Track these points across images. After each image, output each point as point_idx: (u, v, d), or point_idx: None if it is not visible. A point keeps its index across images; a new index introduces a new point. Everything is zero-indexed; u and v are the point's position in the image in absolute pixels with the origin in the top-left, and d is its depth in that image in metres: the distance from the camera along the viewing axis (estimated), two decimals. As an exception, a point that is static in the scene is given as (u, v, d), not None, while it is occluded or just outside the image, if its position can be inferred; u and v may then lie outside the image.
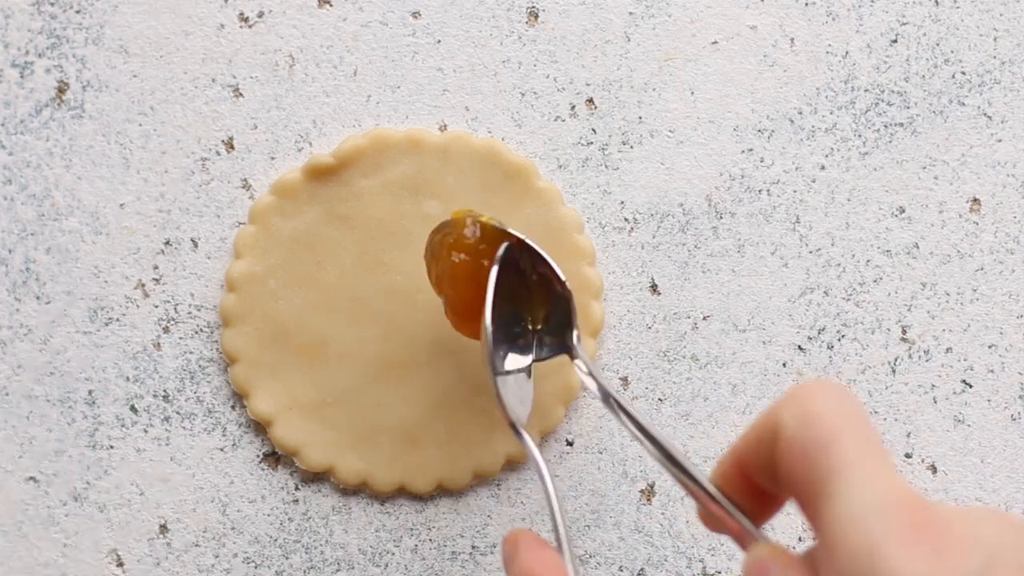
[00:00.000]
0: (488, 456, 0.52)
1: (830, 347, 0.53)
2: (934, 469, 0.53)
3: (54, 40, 0.52)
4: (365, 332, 0.51)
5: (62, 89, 0.52)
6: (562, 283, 0.46)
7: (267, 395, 0.51)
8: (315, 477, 0.52)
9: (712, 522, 0.38)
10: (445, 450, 0.51)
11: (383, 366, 0.51)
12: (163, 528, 0.52)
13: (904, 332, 0.53)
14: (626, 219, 0.53)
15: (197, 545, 0.52)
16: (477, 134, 0.53)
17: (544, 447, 0.53)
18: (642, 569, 0.53)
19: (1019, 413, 0.53)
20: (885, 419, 0.53)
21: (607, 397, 0.43)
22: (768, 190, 0.53)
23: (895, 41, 0.53)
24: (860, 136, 0.53)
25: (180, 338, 0.52)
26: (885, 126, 0.53)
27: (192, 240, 0.52)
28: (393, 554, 0.52)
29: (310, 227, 0.51)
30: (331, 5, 0.52)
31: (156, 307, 0.52)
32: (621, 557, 0.53)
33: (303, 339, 0.51)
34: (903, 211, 0.53)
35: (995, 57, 0.53)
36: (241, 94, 0.52)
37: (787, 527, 0.53)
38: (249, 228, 0.52)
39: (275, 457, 0.52)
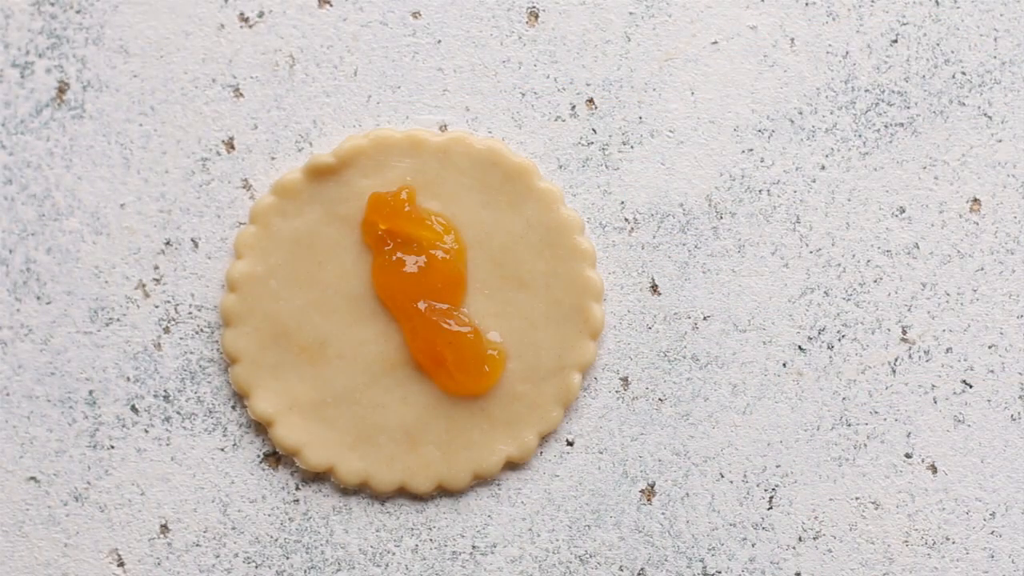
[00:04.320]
0: (488, 456, 0.52)
1: (830, 347, 0.53)
2: (934, 469, 0.53)
3: (54, 40, 0.52)
4: (365, 332, 0.51)
5: (62, 89, 0.52)
6: None
7: (268, 395, 0.51)
8: (315, 477, 0.52)
9: None
10: (445, 450, 0.52)
11: (383, 366, 0.51)
12: (164, 528, 0.52)
13: (904, 332, 0.53)
14: (626, 219, 0.53)
15: (198, 545, 0.52)
16: (477, 134, 0.53)
17: (544, 447, 0.53)
18: (642, 569, 0.53)
19: (1019, 413, 0.53)
20: (885, 419, 0.53)
21: None
22: (768, 190, 0.53)
23: (895, 41, 0.53)
24: (860, 136, 0.53)
25: (180, 338, 0.52)
26: (885, 126, 0.53)
27: (192, 240, 0.52)
28: (393, 554, 0.52)
29: (311, 227, 0.51)
30: (331, 5, 0.52)
31: (156, 307, 0.52)
32: (621, 557, 0.53)
33: (304, 339, 0.51)
34: (903, 211, 0.53)
35: (995, 57, 0.53)
36: (241, 94, 0.52)
37: (787, 527, 0.53)
38: (250, 228, 0.52)
39: (276, 457, 0.52)
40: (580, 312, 0.51)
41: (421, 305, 0.50)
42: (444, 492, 0.52)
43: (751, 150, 0.53)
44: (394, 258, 0.50)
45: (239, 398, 0.52)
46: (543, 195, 0.52)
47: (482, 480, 0.52)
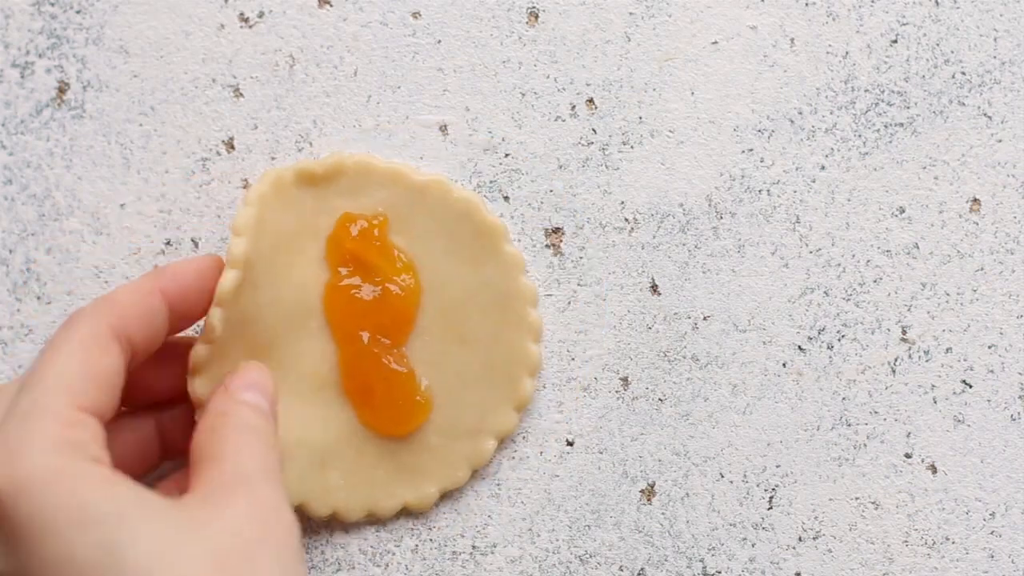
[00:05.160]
0: (386, 499, 0.51)
1: (830, 347, 0.53)
2: (934, 469, 0.53)
3: (54, 40, 0.52)
4: (304, 345, 0.50)
5: (62, 89, 0.52)
6: None
7: (210, 381, 0.48)
8: (315, 477, 0.52)
9: None
10: (348, 480, 0.49)
11: (311, 384, 0.50)
12: (164, 528, 0.52)
13: (904, 332, 0.53)
14: (626, 219, 0.53)
15: (198, 545, 0.52)
16: (477, 134, 0.53)
17: (544, 447, 0.53)
18: (642, 569, 0.53)
19: (1019, 413, 0.53)
20: (885, 419, 0.53)
21: None
22: (768, 190, 0.53)
23: (895, 41, 0.53)
24: (860, 136, 0.53)
25: (180, 338, 0.52)
26: (885, 126, 0.53)
27: (192, 240, 0.52)
28: (393, 554, 0.52)
29: (294, 227, 0.49)
30: (331, 5, 0.52)
31: (156, 307, 0.52)
32: (621, 557, 0.53)
33: (255, 335, 0.49)
34: (903, 211, 0.53)
35: (995, 57, 0.53)
36: (241, 94, 0.52)
37: (787, 527, 0.53)
38: (251, 210, 0.48)
39: (275, 457, 0.52)
40: (512, 383, 0.51)
41: (364, 335, 0.50)
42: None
43: (751, 150, 0.53)
44: (348, 282, 0.50)
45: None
46: (507, 259, 0.51)
47: (376, 519, 0.51)
